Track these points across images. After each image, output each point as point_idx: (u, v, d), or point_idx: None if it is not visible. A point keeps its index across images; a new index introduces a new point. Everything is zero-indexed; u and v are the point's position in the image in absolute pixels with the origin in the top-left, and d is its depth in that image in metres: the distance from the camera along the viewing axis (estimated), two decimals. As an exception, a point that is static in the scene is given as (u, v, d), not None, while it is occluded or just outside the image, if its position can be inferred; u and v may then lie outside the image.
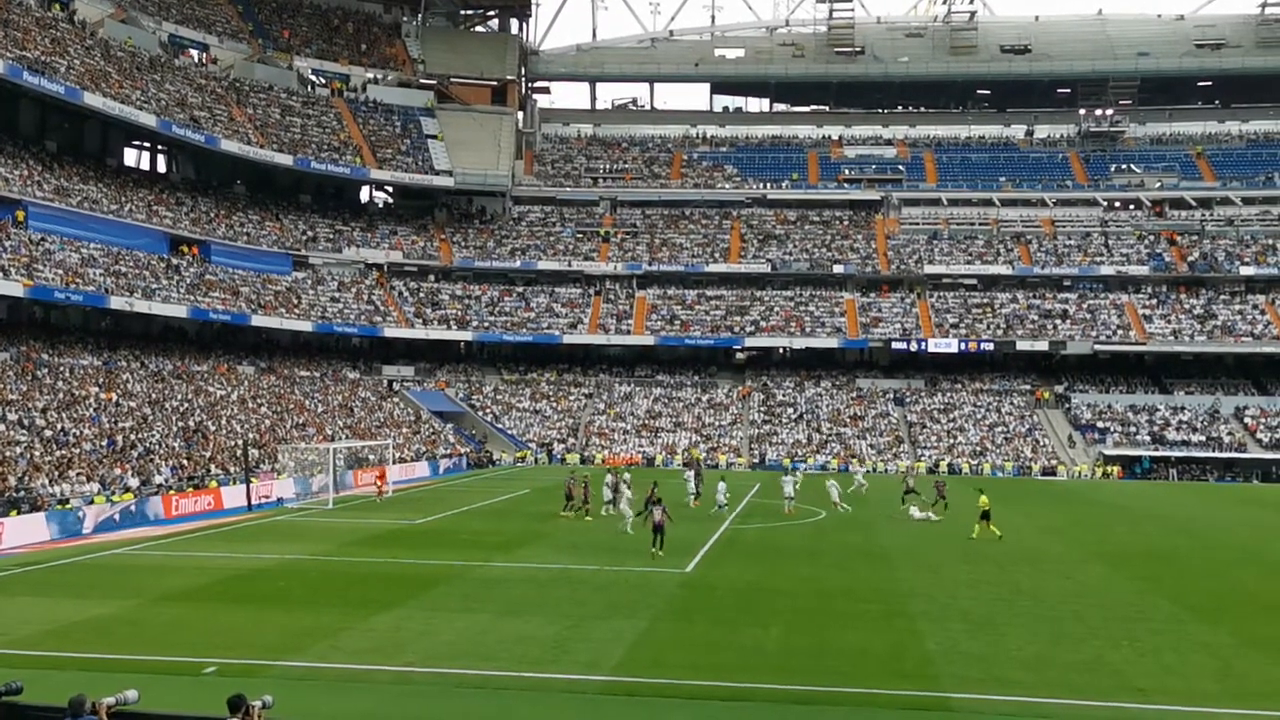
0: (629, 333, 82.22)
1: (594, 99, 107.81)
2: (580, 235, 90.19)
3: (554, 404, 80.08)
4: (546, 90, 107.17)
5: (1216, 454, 69.87)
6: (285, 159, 77.88)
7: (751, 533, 35.57)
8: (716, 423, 77.45)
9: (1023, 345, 78.02)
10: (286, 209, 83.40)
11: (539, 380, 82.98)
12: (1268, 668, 18.08)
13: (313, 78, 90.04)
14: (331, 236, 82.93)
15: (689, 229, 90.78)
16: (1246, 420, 72.67)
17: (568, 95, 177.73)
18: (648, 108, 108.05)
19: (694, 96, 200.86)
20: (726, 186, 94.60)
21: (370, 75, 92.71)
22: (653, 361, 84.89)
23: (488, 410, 78.68)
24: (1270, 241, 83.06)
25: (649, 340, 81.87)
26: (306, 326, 72.71)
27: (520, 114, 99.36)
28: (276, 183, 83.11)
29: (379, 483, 47.52)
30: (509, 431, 76.06)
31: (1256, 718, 15.33)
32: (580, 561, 28.96)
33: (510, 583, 25.72)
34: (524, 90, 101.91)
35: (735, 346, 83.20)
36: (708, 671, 17.50)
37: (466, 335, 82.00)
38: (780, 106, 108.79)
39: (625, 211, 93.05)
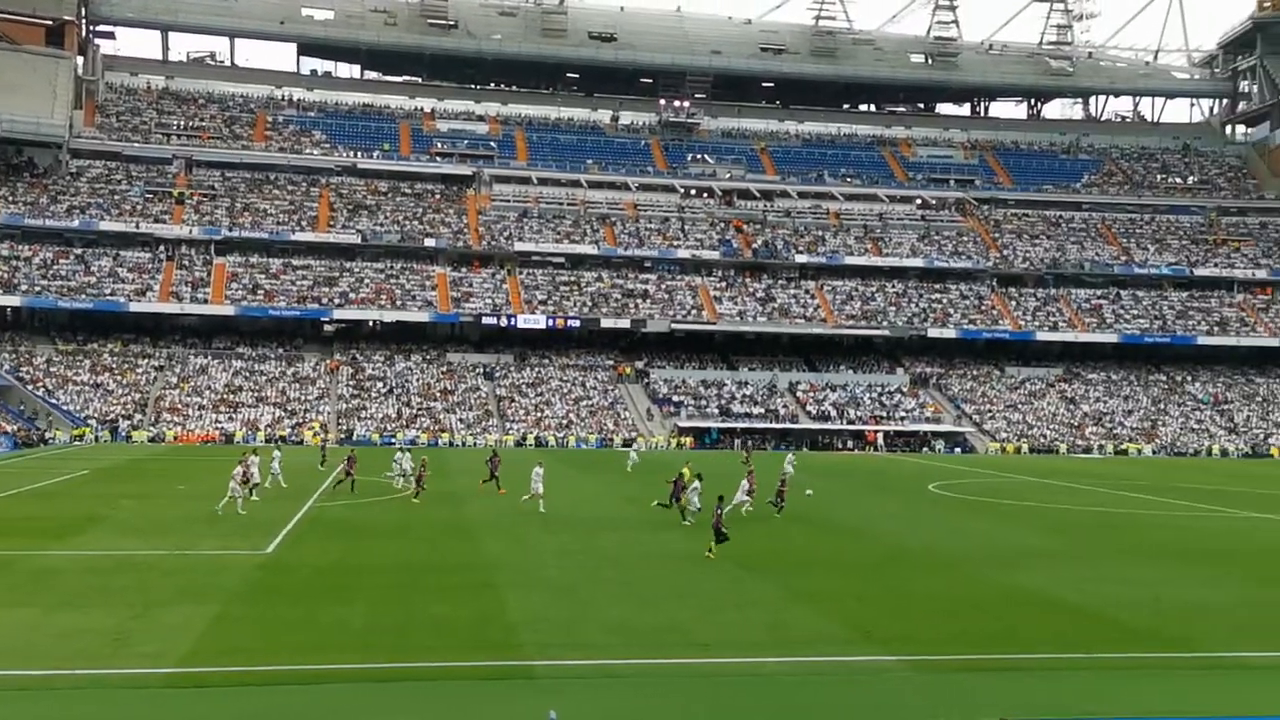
0: (206, 301, 77.52)
1: (166, 49, 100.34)
2: (150, 195, 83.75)
3: (118, 377, 74.01)
4: (111, 35, 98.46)
5: (774, 425, 76.57)
6: None
7: (337, 510, 34.65)
8: (303, 397, 74.83)
9: (607, 323, 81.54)
10: None
11: (101, 351, 76.35)
12: (810, 618, 20.00)
13: None
14: None
15: (274, 194, 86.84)
16: (799, 394, 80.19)
17: (137, 43, 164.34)
18: (228, 64, 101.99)
19: (280, 56, 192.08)
20: (315, 152, 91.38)
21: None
22: (233, 332, 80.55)
23: (40, 384, 71.37)
24: (820, 233, 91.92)
25: (229, 310, 77.59)
26: None
27: (80, 59, 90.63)
28: None
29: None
30: (65, 407, 69.45)
31: (799, 663, 16.90)
32: (147, 546, 26.92)
33: (65, 573, 23.44)
34: (84, 33, 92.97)
35: (323, 318, 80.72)
36: (285, 655, 16.83)
37: (14, 300, 74.09)
38: (372, 75, 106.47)
39: (202, 172, 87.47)
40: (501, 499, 37.84)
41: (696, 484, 32.92)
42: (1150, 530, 33.94)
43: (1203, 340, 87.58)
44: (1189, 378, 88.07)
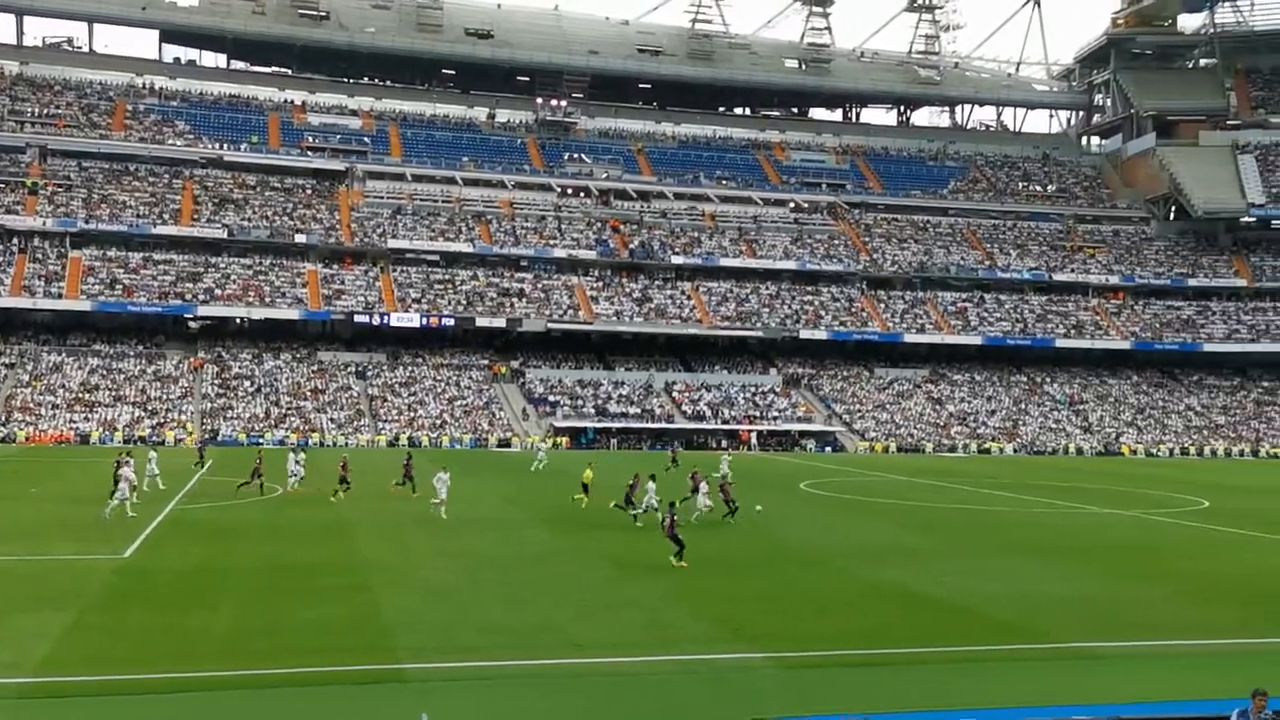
0: (60, 296, 74.41)
1: (21, 33, 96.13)
2: (2, 185, 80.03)
3: (-33, 375, 70.52)
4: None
5: (650, 425, 77.00)
6: None
7: (201, 513, 33.65)
8: (165, 396, 72.43)
9: (482, 321, 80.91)
10: None
11: (-52, 347, 72.65)
12: (684, 617, 20.19)
13: None
14: None
15: (134, 186, 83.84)
16: (675, 394, 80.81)
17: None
18: (86, 50, 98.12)
19: (141, 43, 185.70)
20: (178, 143, 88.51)
21: None
22: (89, 329, 77.49)
23: (-120, 381, 67.60)
24: (696, 234, 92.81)
25: (85, 305, 74.63)
26: None
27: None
28: None
29: None
30: (-92, 406, 65.91)
31: (671, 661, 17.05)
32: (-3, 552, 25.73)
33: (-95, 581, 22.26)
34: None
35: (187, 315, 78.26)
36: (146, 662, 16.28)
37: None
38: (239, 65, 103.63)
39: (58, 162, 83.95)
40: (401, 501, 37.24)
41: (651, 486, 32.76)
42: (1011, 527, 35.17)
43: (1060, 343, 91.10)
44: (1047, 379, 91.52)
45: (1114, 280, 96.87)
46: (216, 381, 74.92)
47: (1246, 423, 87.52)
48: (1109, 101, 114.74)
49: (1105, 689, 16.03)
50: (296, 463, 39.86)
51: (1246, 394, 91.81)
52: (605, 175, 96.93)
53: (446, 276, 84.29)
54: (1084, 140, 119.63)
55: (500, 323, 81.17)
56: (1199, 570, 26.79)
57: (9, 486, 40.16)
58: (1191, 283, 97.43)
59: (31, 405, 68.85)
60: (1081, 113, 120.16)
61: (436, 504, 33.25)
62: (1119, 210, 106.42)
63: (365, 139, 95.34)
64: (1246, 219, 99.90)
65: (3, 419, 67.02)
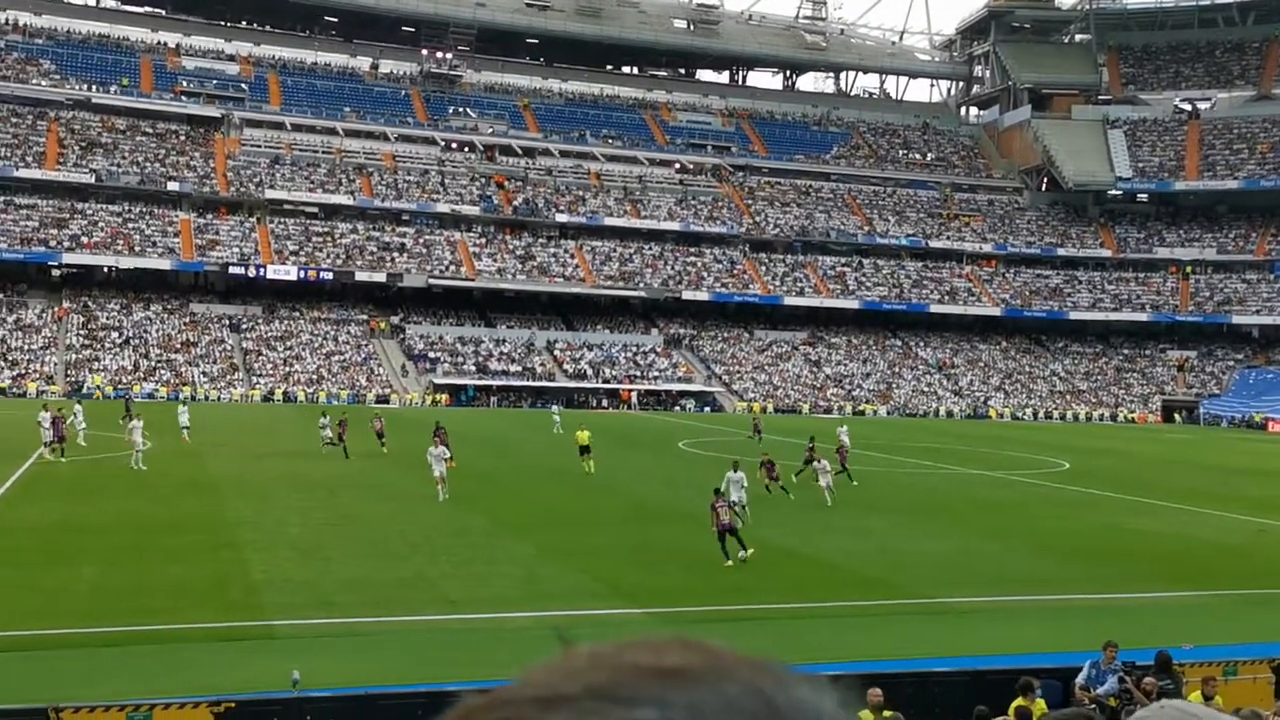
0: (-86, 241, 70.76)
1: None
2: None
3: None
4: None
5: (531, 383, 76.83)
6: None
7: (64, 468, 32.57)
8: (26, 346, 69.60)
9: (361, 276, 79.48)
10: None
11: None
12: (562, 574, 20.36)
13: None
14: None
15: (-5, 127, 79.88)
16: (556, 353, 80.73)
17: None
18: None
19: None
20: (43, 83, 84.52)
21: None
22: (-55, 275, 73.89)
23: None
24: (580, 193, 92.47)
25: (-60, 251, 71.10)
26: None
27: None
28: None
29: None
30: None
31: (549, 617, 17.19)
32: None
33: None
34: None
35: (51, 263, 75.12)
36: (3, 620, 15.78)
37: None
38: (109, 3, 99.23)
39: (-89, 98, 79.48)
40: (274, 459, 36.50)
41: (735, 476, 26.23)
42: (880, 486, 36.17)
43: (934, 308, 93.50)
44: (921, 343, 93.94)
45: (987, 249, 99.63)
46: (82, 332, 72.23)
47: (1107, 388, 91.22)
48: (988, 73, 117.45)
49: (964, 642, 16.69)
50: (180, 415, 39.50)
51: (1108, 361, 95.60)
52: (490, 130, 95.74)
53: (326, 229, 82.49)
54: (963, 110, 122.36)
55: (380, 277, 79.86)
56: (1056, 529, 27.96)
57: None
58: (1060, 252, 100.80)
59: (-120, 354, 65.52)
60: (961, 83, 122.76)
61: (441, 487, 28.34)
62: (994, 180, 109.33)
63: (243, 85, 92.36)
64: (1114, 192, 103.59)
65: None
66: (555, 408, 59.27)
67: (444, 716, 0.88)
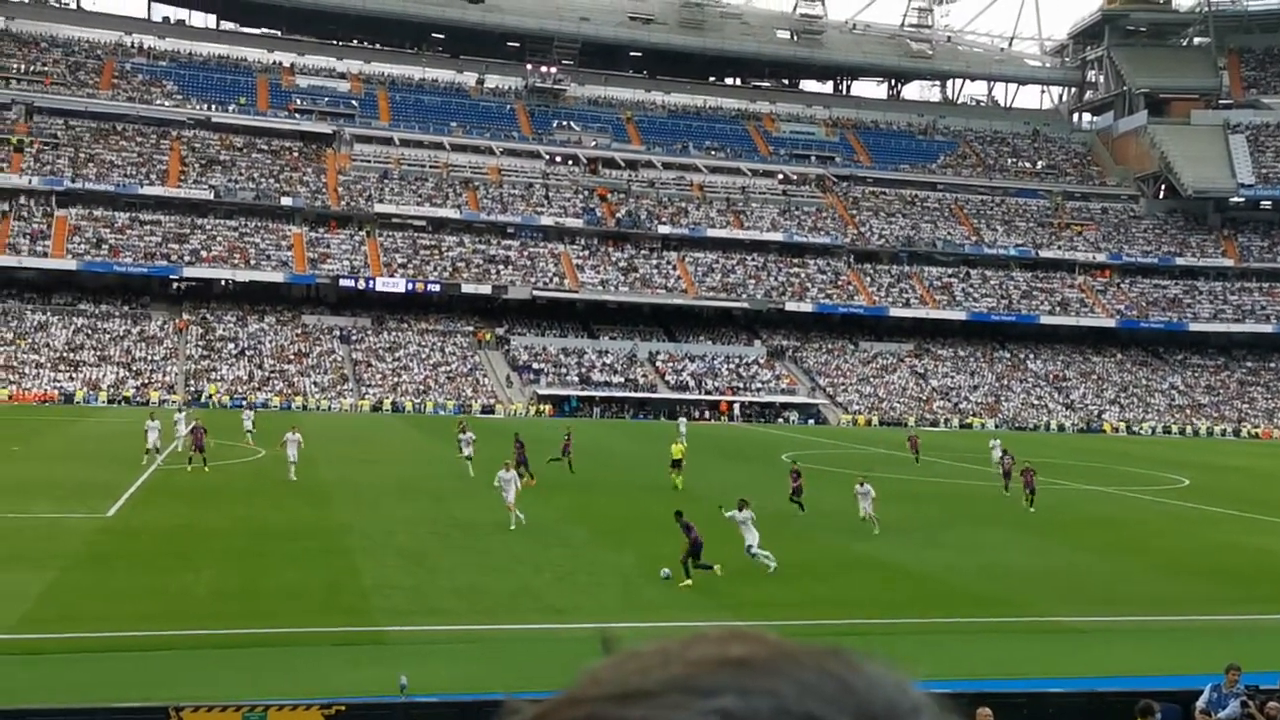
0: (46, 255, 73.99)
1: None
2: (-14, 142, 79.27)
3: (-51, 332, 70.17)
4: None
5: (633, 394, 77.10)
6: None
7: (185, 474, 33.64)
8: (149, 357, 72.19)
9: (468, 288, 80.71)
10: None
11: (-70, 305, 72.21)
12: (663, 585, 20.31)
13: None
14: None
15: (121, 146, 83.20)
16: (658, 364, 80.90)
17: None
18: (73, 7, 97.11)
19: (129, 1, 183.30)
20: (166, 104, 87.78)
21: None
22: (75, 288, 77.01)
23: None
24: (683, 205, 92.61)
25: (70, 265, 74.22)
26: None
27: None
28: None
29: None
30: (-111, 363, 65.56)
31: (651, 628, 17.18)
32: (-23, 510, 25.71)
33: (-115, 537, 22.25)
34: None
35: (173, 276, 77.88)
36: (127, 621, 16.35)
37: None
38: (228, 25, 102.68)
39: (44, 119, 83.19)
40: (380, 466, 37.25)
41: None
42: (987, 501, 35.40)
43: (1045, 319, 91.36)
44: (1031, 355, 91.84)
45: (1101, 258, 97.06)
46: (200, 343, 74.68)
47: (1229, 402, 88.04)
48: (1101, 78, 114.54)
49: (1078, 662, 16.22)
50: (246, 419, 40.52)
51: (1230, 374, 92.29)
52: (594, 144, 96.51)
53: (433, 242, 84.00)
54: (1075, 117, 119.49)
55: (486, 289, 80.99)
56: (1174, 546, 27.06)
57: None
58: (1179, 262, 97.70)
59: (15, 364, 68.56)
60: (1073, 89, 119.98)
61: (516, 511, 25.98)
62: (1108, 188, 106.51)
63: (353, 102, 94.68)
64: (1236, 199, 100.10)
65: (-15, 377, 66.73)
66: (683, 420, 58.45)
67: (519, 717, 0.89)
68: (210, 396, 67.64)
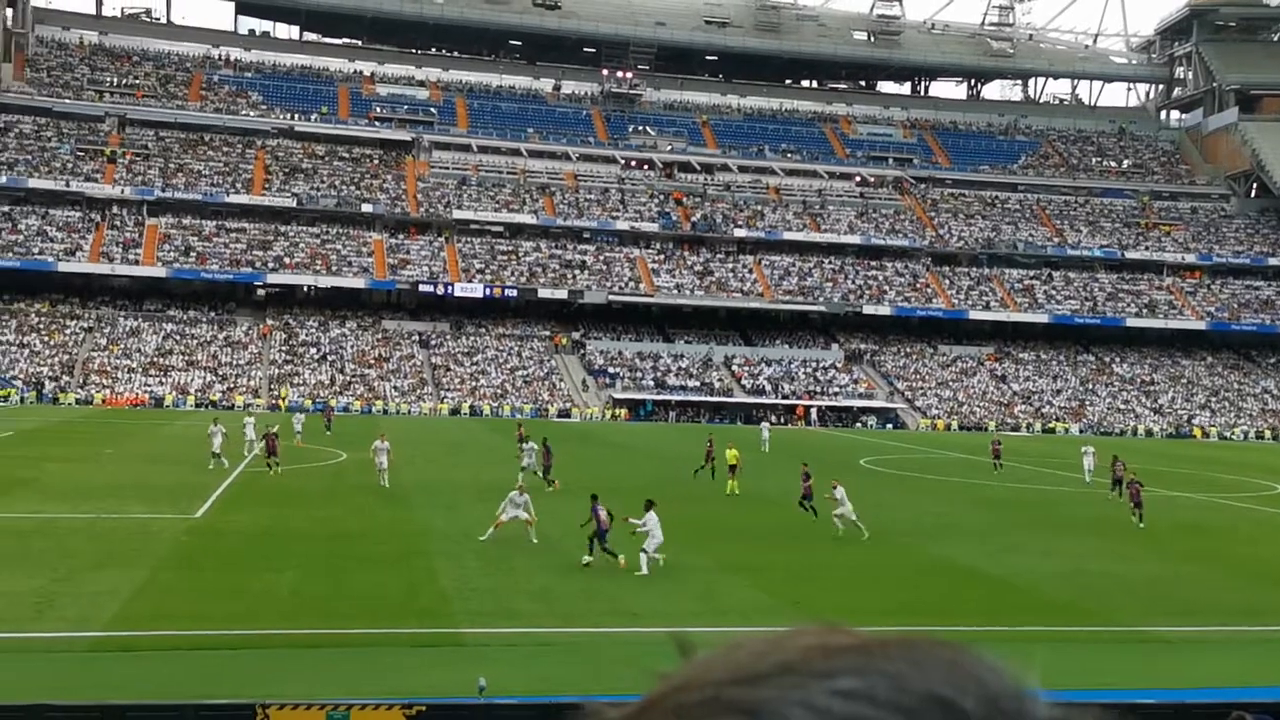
0: (138, 263, 76.10)
1: (100, 4, 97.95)
2: (82, 153, 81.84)
3: (45, 338, 72.50)
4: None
5: (708, 398, 76.97)
6: None
7: (268, 477, 34.34)
8: (234, 362, 73.86)
9: (544, 293, 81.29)
10: None
11: (28, 311, 74.64)
12: (740, 589, 20.28)
13: None
14: None
15: (209, 155, 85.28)
16: (734, 368, 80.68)
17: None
18: (164, 21, 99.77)
19: (217, 14, 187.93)
20: (251, 114, 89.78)
21: None
22: (164, 295, 79.12)
23: (-37, 343, 69.68)
24: (759, 208, 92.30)
25: (160, 272, 76.26)
26: None
27: (10, 10, 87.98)
28: None
29: None
30: (-10, 368, 67.89)
31: (728, 632, 17.15)
32: (71, 510, 26.53)
33: (-14, 536, 23.05)
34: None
35: (257, 282, 79.59)
36: (214, 620, 16.74)
37: (-63, 257, 71.99)
38: (311, 36, 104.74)
39: (136, 131, 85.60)
40: (459, 470, 37.68)
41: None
42: (1072, 506, 34.74)
43: (1131, 322, 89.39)
44: (1117, 359, 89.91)
45: (1190, 259, 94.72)
46: (284, 348, 76.20)
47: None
48: (1190, 75, 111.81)
49: (1166, 672, 15.85)
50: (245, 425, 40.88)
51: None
52: (669, 148, 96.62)
53: (510, 247, 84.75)
54: (1162, 114, 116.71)
55: (562, 294, 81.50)
56: (1266, 554, 26.30)
57: (86, 447, 41.27)
58: (1272, 262, 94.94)
59: (108, 369, 70.60)
60: (1160, 86, 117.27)
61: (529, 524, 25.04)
62: (1197, 187, 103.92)
63: (432, 109, 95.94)
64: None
65: (81, 381, 68.81)
66: (765, 425, 58.15)
67: (640, 702, 0.89)
68: (291, 401, 68.77)
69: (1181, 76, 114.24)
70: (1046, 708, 0.86)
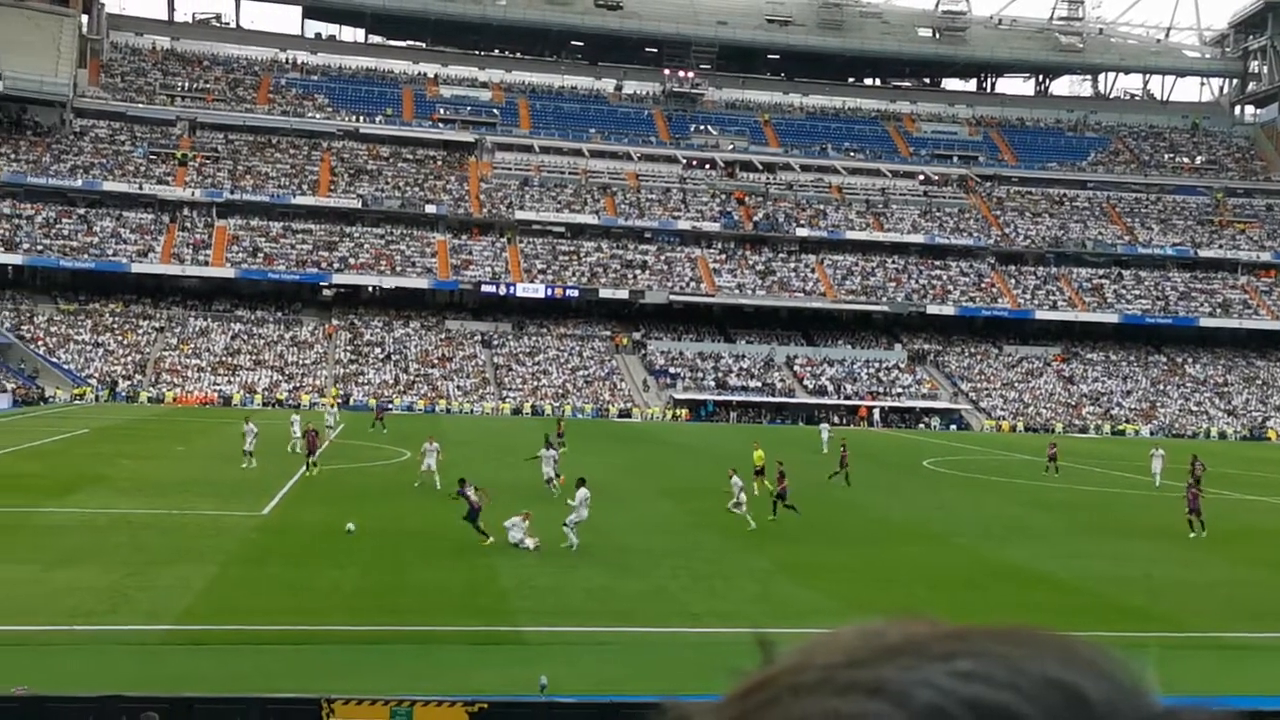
0: (207, 264, 77.50)
1: (172, 10, 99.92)
2: (154, 156, 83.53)
3: (119, 337, 74.10)
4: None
5: (770, 399, 76.64)
6: None
7: (332, 474, 34.81)
8: (300, 361, 74.95)
9: (605, 293, 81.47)
10: None
11: (102, 311, 76.34)
12: (799, 590, 20.19)
13: None
14: None
15: (276, 158, 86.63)
16: (796, 368, 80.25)
17: (142, 3, 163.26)
18: (233, 26, 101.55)
19: (284, 19, 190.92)
20: (317, 116, 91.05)
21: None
22: (233, 295, 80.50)
23: (40, 342, 71.44)
24: (821, 207, 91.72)
25: (229, 273, 77.61)
26: None
27: (85, 17, 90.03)
28: None
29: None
30: (66, 366, 69.55)
31: (788, 634, 17.06)
32: (145, 505, 27.11)
33: (62, 530, 23.66)
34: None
35: (323, 283, 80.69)
36: (280, 615, 17.02)
37: (16, 259, 73.99)
38: (376, 39, 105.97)
39: (206, 134, 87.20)
40: (519, 470, 37.94)
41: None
42: (1142, 509, 34.13)
43: (1205, 322, 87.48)
44: (1189, 359, 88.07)
45: (1266, 257, 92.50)
46: (349, 348, 77.18)
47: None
48: (1265, 69, 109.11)
49: (1239, 680, 15.51)
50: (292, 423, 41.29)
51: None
52: (731, 147, 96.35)
53: (571, 248, 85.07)
54: (1237, 110, 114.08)
55: (623, 294, 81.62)
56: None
57: (157, 445, 42.14)
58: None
59: (179, 368, 72.01)
60: (1235, 80, 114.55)
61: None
62: (1273, 183, 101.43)
63: (495, 110, 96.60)
64: None
65: (152, 380, 70.26)
66: (825, 426, 57.70)
67: (744, 681, 0.87)
68: (333, 400, 68.95)
69: (1256, 71, 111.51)
70: (1161, 702, 0.85)
